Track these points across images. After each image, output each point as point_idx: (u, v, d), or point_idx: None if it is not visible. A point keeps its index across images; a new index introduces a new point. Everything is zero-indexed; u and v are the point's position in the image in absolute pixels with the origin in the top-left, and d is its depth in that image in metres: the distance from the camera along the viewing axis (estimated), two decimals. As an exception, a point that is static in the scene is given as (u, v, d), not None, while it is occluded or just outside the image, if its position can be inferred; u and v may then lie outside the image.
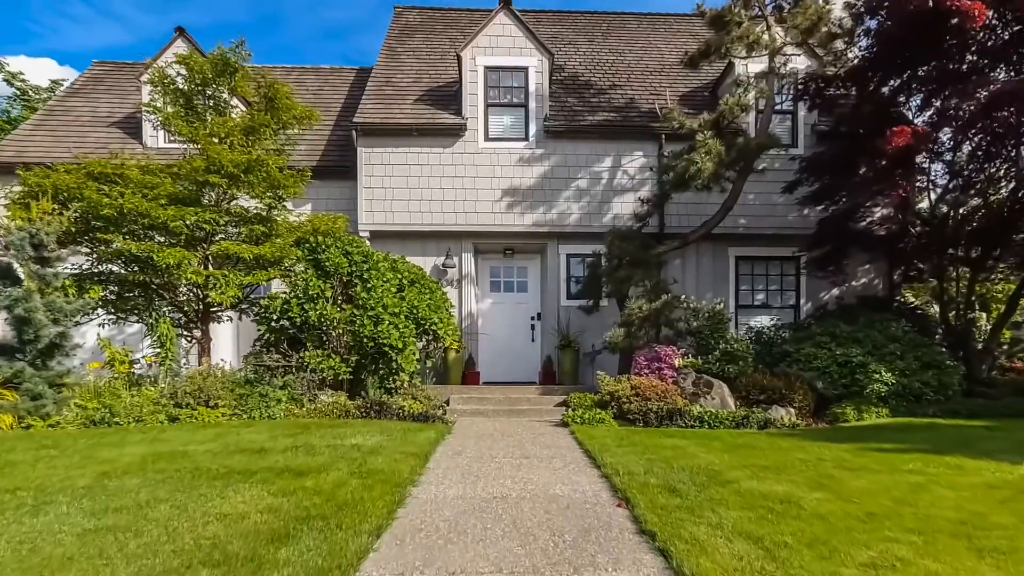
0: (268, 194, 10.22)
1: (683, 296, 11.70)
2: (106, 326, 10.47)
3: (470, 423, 10.06)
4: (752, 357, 10.94)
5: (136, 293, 10.13)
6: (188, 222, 9.51)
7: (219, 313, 11.11)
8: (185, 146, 11.53)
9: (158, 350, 9.69)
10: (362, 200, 13.01)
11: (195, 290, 10.31)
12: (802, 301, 13.99)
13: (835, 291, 13.98)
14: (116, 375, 9.67)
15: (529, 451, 7.76)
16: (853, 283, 14.01)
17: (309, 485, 5.79)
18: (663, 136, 13.19)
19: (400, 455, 7.06)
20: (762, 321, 13.41)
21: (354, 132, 12.91)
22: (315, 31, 58.25)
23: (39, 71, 39.51)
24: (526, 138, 13.27)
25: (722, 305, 11.20)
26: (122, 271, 9.86)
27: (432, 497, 5.71)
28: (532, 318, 13.82)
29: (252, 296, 11.51)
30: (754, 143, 11.09)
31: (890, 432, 9.05)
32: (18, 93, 23.74)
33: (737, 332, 12.80)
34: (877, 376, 10.66)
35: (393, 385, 11.18)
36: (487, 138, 13.24)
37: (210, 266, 10.52)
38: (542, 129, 13.20)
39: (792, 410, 10.15)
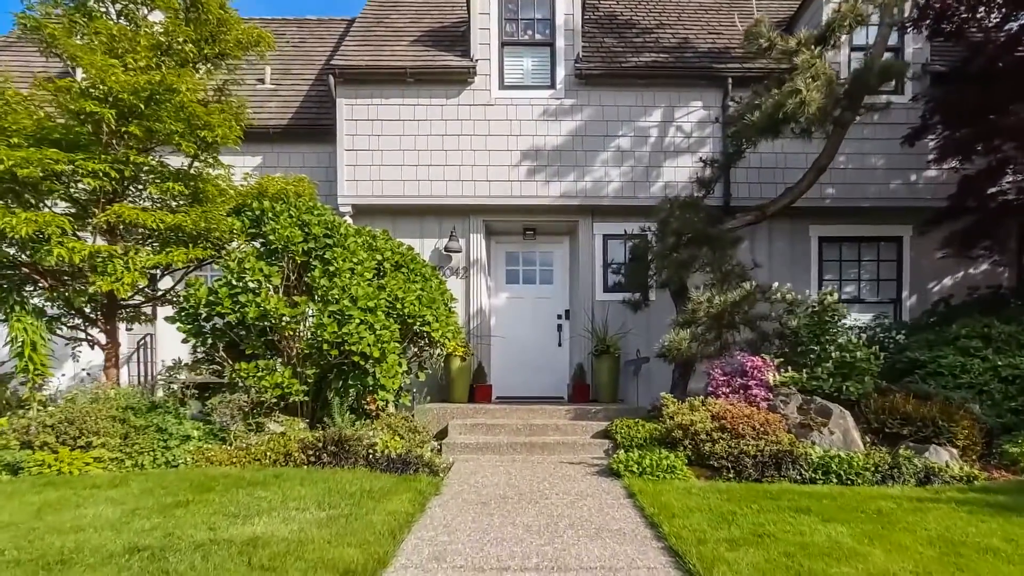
0: (189, 139, 6.59)
1: (774, 285, 7.84)
2: None
3: (473, 470, 6.33)
4: (878, 370, 7.05)
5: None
6: (54, 172, 5.90)
7: (136, 310, 7.53)
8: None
9: (15, 361, 6.07)
10: (343, 166, 9.35)
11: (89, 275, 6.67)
12: (904, 294, 10.04)
13: (947, 281, 10.06)
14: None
15: (567, 546, 3.99)
16: (971, 270, 10.06)
17: None
18: (729, 80, 9.34)
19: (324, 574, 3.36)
20: (858, 319, 9.50)
21: (331, 78, 9.24)
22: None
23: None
24: (552, 85, 9.51)
25: (835, 296, 7.38)
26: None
27: None
28: (559, 316, 10.06)
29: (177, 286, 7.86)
30: (877, 68, 7.22)
31: None
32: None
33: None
34: (1066, 398, 6.77)
35: (373, 407, 7.52)
36: (502, 86, 9.51)
37: (121, 242, 6.91)
38: (573, 73, 9.43)
39: (954, 451, 6.27)
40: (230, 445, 6.19)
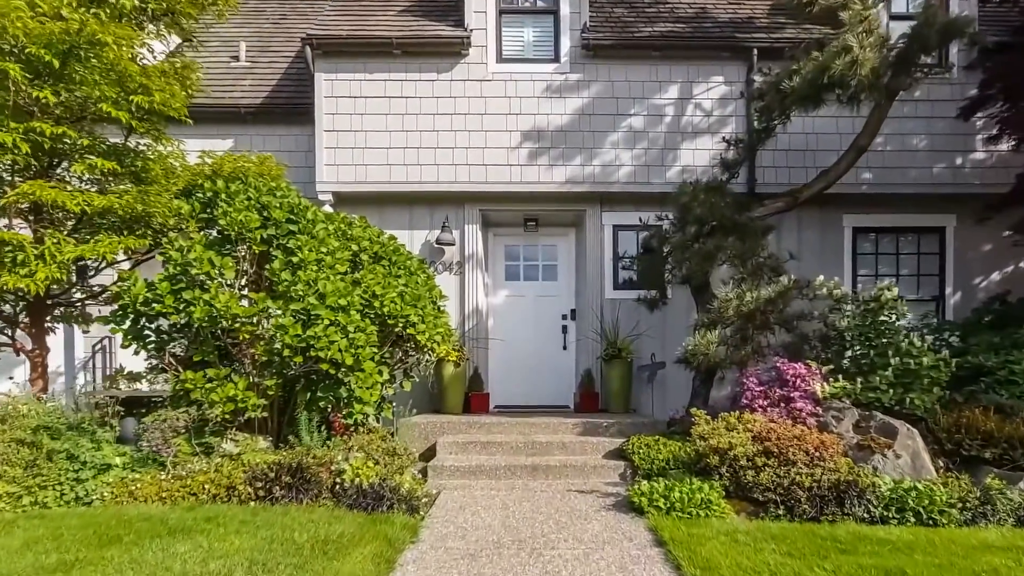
0: (122, 105, 5.35)
1: (819, 279, 6.55)
2: None
3: (462, 503, 5.05)
4: (947, 379, 5.75)
5: None
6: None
7: (73, 308, 6.28)
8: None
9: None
10: (322, 149, 8.11)
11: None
12: (948, 290, 8.75)
13: (995, 276, 8.77)
14: None
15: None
16: (1022, 264, 8.79)
17: None
18: (755, 51, 8.06)
19: None
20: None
21: (308, 50, 8.01)
22: None
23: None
24: (556, 59, 8.26)
25: (894, 292, 6.11)
26: None
27: None
28: (564, 317, 8.80)
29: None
30: (939, 24, 5.96)
31: None
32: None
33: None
34: None
35: (351, 421, 6.25)
36: (500, 59, 8.26)
37: (52, 229, 5.65)
38: (579, 45, 8.17)
39: (1049, 479, 5.00)
40: (166, 473, 4.94)
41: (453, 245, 8.32)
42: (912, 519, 4.42)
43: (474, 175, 8.15)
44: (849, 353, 6.07)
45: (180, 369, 5.82)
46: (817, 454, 4.79)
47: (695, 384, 7.24)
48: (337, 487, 4.86)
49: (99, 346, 8.35)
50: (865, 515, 4.47)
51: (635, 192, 8.24)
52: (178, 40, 6.90)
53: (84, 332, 8.37)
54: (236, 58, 9.30)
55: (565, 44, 8.21)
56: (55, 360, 8.66)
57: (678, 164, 8.23)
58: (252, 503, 4.58)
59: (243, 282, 5.98)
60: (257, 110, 8.51)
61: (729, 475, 4.87)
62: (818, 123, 8.16)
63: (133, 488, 4.62)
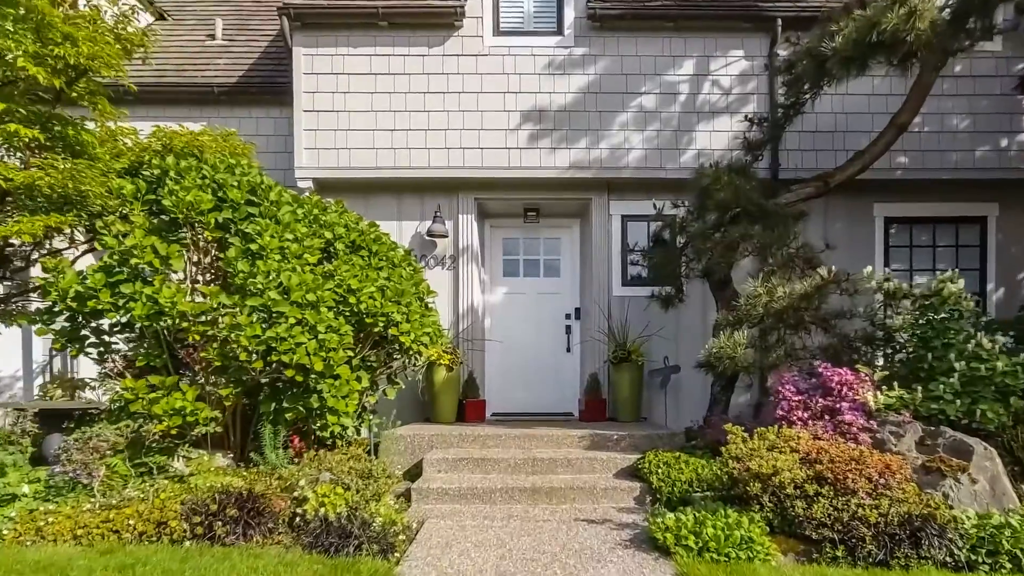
0: (45, 62, 4.40)
1: (866, 271, 5.58)
2: None
3: (448, 538, 4.09)
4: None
5: None
6: None
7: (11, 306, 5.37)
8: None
9: None
10: (300, 131, 7.19)
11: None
12: (989, 286, 7.78)
13: (1042, 271, 7.83)
14: None
15: None
16: (1071, 258, 7.84)
17: None
18: (779, 21, 7.13)
19: None
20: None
21: (286, 22, 7.08)
22: None
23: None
24: (559, 31, 7.33)
25: (958, 285, 5.15)
26: None
27: None
28: (567, 316, 7.85)
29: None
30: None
31: None
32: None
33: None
34: None
35: (326, 434, 5.30)
36: (498, 31, 7.34)
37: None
38: (584, 16, 7.25)
39: None
40: (94, 501, 4.01)
41: (446, 237, 7.39)
42: (1008, 565, 3.47)
43: (469, 159, 7.23)
44: (901, 356, 5.11)
45: (128, 376, 4.91)
46: (882, 481, 3.84)
47: (714, 390, 6.32)
48: (297, 519, 3.93)
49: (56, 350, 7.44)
50: (948, 559, 3.52)
51: (646, 178, 7.31)
52: (134, 3, 5.93)
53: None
54: (212, 36, 8.40)
55: (569, 15, 7.28)
56: (12, 364, 7.84)
57: (693, 147, 7.30)
58: (188, 543, 3.63)
59: (207, 278, 5.09)
60: (231, 89, 7.60)
61: (772, 506, 3.91)
62: (848, 102, 7.28)
63: (43, 523, 3.68)
